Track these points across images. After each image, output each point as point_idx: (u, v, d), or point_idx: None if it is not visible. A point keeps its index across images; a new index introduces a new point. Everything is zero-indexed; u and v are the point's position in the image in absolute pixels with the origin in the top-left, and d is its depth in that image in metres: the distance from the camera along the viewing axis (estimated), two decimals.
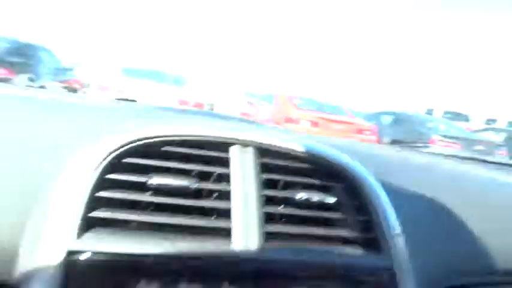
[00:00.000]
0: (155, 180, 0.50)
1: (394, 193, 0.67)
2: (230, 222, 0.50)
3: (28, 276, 0.42)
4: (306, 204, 0.56)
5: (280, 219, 0.54)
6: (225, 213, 0.52)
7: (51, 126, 0.58)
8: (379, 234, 0.56)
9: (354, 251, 0.55)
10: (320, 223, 0.56)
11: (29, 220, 0.47)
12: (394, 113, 9.03)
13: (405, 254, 0.56)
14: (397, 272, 0.54)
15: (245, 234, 0.50)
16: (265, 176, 0.56)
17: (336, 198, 0.57)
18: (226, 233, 0.50)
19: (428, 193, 0.73)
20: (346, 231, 0.56)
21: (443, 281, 0.67)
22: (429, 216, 0.71)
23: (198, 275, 0.47)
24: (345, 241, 0.56)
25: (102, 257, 0.44)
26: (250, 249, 0.49)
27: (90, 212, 0.46)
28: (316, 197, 0.56)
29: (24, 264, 0.44)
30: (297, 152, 0.58)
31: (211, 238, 0.50)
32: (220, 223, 0.51)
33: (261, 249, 0.49)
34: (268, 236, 0.51)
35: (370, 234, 0.56)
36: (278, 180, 0.57)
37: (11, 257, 0.45)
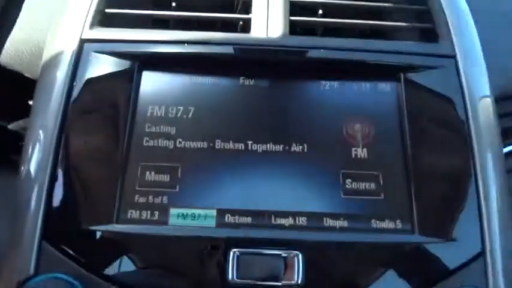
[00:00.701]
0: None
1: None
2: (251, 14, 0.45)
3: (47, 65, 0.43)
4: None
5: (314, 12, 0.47)
6: (247, 7, 0.46)
7: None
8: (438, 23, 0.45)
9: (402, 41, 0.45)
10: (361, 16, 0.47)
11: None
12: None
13: (473, 43, 0.45)
14: (460, 59, 0.43)
15: (267, 24, 0.44)
16: None
17: None
18: (246, 25, 0.45)
19: None
20: (393, 21, 0.46)
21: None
22: None
23: (210, 64, 0.43)
24: (391, 32, 0.46)
25: (110, 46, 0.42)
26: (270, 38, 0.43)
27: (105, 9, 0.45)
28: None
29: (45, 55, 0.45)
30: None
31: (230, 31, 0.45)
32: (241, 16, 0.46)
33: (283, 38, 0.43)
34: (295, 28, 0.45)
35: (427, 24, 0.46)
36: None
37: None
